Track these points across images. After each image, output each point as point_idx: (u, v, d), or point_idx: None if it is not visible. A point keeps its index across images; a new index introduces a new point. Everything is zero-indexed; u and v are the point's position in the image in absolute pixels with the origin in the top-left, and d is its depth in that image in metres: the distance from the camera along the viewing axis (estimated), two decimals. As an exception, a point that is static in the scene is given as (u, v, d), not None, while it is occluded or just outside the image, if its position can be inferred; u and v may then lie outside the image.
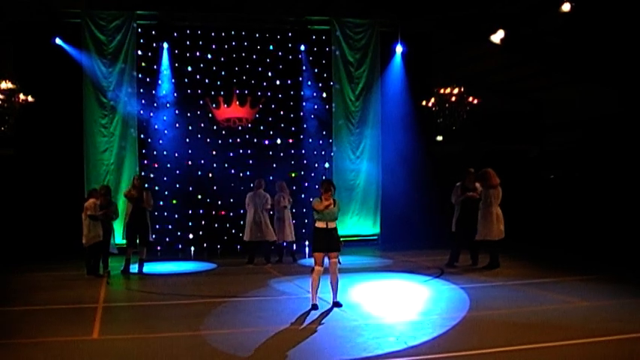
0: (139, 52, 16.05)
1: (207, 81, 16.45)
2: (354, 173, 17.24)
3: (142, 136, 16.07)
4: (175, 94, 16.28)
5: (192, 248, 16.30)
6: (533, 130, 19.71)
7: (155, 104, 16.11)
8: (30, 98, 13.63)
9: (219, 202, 16.41)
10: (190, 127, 16.38)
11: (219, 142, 16.53)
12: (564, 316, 8.29)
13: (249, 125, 16.63)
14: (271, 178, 15.29)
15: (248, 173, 16.38)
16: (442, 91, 15.00)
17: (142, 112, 16.02)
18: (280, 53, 16.90)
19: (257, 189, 13.68)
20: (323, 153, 17.19)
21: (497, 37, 14.77)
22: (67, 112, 15.38)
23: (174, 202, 16.15)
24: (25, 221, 15.02)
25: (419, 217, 16.53)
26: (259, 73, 16.71)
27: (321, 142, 17.11)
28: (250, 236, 13.58)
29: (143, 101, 16.04)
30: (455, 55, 17.94)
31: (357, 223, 17.26)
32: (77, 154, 15.55)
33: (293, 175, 16.66)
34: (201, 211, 16.39)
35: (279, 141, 16.88)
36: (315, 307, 8.83)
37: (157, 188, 15.77)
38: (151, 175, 15.98)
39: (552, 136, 19.40)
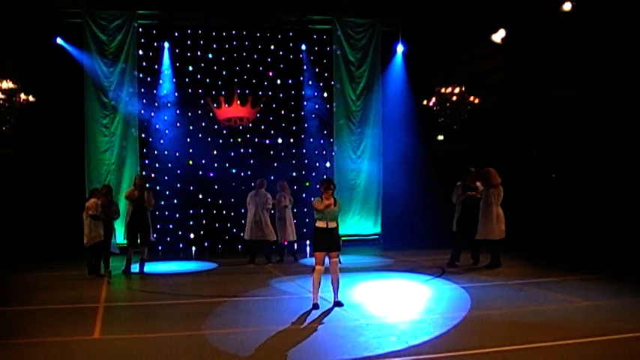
0: (140, 52, 16.06)
1: (208, 80, 16.47)
2: (355, 173, 17.24)
3: (143, 135, 16.08)
4: (176, 94, 16.30)
5: (194, 248, 16.31)
6: (533, 130, 19.70)
7: (156, 104, 16.12)
8: (31, 98, 13.63)
9: (220, 202, 16.42)
10: (191, 127, 16.39)
11: (220, 141, 16.54)
12: (565, 315, 8.30)
13: (250, 125, 16.63)
14: (272, 177, 15.32)
15: (249, 173, 16.39)
16: (443, 90, 15.00)
17: (143, 111, 16.04)
18: (281, 53, 16.91)
19: (258, 188, 13.69)
20: (324, 152, 17.20)
21: (499, 36, 14.77)
22: (68, 112, 15.38)
23: (175, 201, 16.20)
24: (26, 221, 15.02)
25: (420, 217, 16.52)
26: (260, 72, 16.72)
27: (322, 141, 17.12)
28: (250, 235, 13.59)
29: (144, 101, 16.05)
30: (455, 55, 17.93)
31: (358, 222, 17.27)
32: (78, 154, 15.56)
33: (294, 174, 16.67)
34: (202, 211, 16.40)
35: (280, 140, 16.89)
36: (316, 306, 8.84)
37: (158, 188, 15.80)
38: (152, 175, 16.00)
39: (552, 136, 19.40)
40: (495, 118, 18.60)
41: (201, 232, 16.45)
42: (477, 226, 12.40)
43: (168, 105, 16.22)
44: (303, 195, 16.28)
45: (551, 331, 7.45)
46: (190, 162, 16.27)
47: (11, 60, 15.19)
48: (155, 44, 16.17)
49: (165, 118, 16.19)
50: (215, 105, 16.43)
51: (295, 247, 14.40)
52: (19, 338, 7.48)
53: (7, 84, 13.23)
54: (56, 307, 9.42)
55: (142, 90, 16.00)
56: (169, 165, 16.22)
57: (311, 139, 17.02)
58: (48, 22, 15.36)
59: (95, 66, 15.61)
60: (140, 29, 16.00)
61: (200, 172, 16.37)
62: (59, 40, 15.31)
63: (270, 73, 16.78)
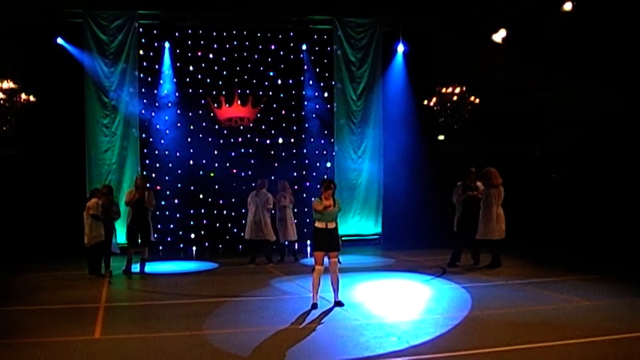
0: (141, 52, 16.08)
1: (208, 80, 16.49)
2: (356, 173, 17.24)
3: (143, 135, 16.09)
4: (177, 94, 16.31)
5: (194, 248, 16.32)
6: (533, 130, 19.70)
7: (157, 104, 16.15)
8: (32, 98, 13.64)
9: (221, 202, 16.44)
10: (192, 127, 16.42)
11: (221, 141, 16.56)
12: (565, 315, 8.30)
13: (251, 125, 16.65)
14: (272, 177, 15.33)
15: (250, 173, 16.40)
16: (444, 90, 15.01)
17: (143, 111, 16.05)
18: (282, 53, 16.94)
19: (259, 189, 13.69)
20: (325, 152, 17.22)
21: (499, 36, 14.77)
22: (69, 111, 15.40)
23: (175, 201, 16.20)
24: (27, 221, 15.03)
25: (420, 217, 16.53)
26: (261, 72, 16.74)
27: (322, 141, 17.15)
28: (250, 235, 13.59)
29: (145, 101, 16.07)
30: (455, 55, 17.94)
31: (359, 222, 17.27)
32: (79, 154, 15.57)
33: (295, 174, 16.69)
34: (202, 211, 16.42)
35: (280, 140, 16.91)
36: (315, 306, 8.84)
37: (158, 188, 15.80)
38: (153, 175, 16.01)
39: (552, 136, 19.39)
40: (496, 118, 18.60)
41: (202, 232, 16.46)
42: (477, 226, 12.40)
43: (169, 105, 16.24)
44: (304, 195, 16.30)
45: (552, 331, 7.46)
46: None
47: (12, 60, 15.20)
48: (156, 44, 16.19)
49: (166, 118, 16.20)
50: (216, 105, 16.44)
51: (296, 247, 14.41)
52: (19, 338, 7.49)
53: (7, 84, 13.23)
54: (57, 307, 9.43)
55: (143, 90, 16.02)
56: (170, 165, 16.23)
57: (312, 139, 17.04)
58: (49, 22, 15.38)
59: (96, 66, 15.62)
60: (141, 29, 16.01)
61: (201, 172, 16.38)
62: (60, 40, 15.34)
63: (271, 73, 16.80)
